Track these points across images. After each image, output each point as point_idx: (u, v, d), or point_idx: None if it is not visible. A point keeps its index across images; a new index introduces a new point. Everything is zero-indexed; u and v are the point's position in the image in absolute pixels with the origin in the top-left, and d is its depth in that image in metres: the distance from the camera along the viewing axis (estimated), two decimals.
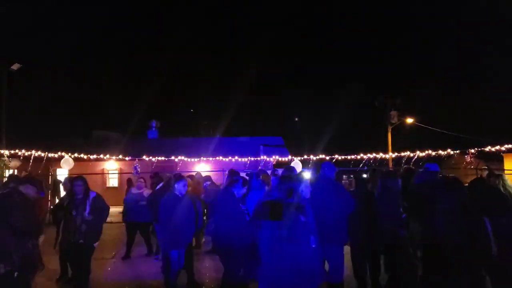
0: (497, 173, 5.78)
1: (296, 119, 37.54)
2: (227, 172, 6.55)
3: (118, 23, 63.47)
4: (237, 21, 69.86)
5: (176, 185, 5.31)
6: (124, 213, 7.75)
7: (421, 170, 5.81)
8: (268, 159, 19.27)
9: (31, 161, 12.61)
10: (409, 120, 22.21)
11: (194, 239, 6.50)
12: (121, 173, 19.22)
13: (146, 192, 7.55)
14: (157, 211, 5.50)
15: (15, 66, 13.04)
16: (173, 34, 59.51)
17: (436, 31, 53.73)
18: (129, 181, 14.89)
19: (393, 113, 21.55)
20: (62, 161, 13.45)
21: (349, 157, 15.20)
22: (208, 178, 8.22)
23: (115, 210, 10.25)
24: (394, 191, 4.87)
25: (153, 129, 27.35)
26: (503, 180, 5.32)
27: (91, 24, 60.93)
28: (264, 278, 3.16)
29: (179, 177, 5.48)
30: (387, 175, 5.20)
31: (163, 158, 17.04)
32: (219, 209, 4.89)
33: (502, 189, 5.24)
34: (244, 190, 5.01)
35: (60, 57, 53.04)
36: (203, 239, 7.97)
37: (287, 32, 68.05)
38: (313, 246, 3.18)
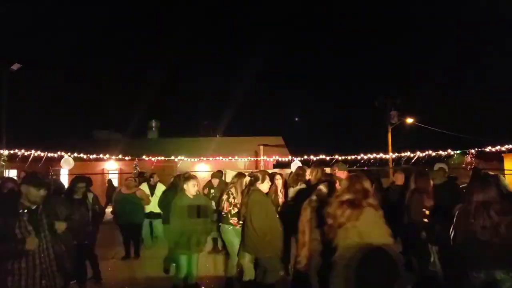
0: (493, 174, 5.77)
1: (296, 119, 37.78)
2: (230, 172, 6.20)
3: (118, 23, 63.47)
4: (237, 21, 69.90)
5: (185, 186, 4.96)
6: (115, 214, 7.36)
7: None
8: (268, 159, 19.29)
9: (29, 160, 12.63)
10: (409, 120, 22.21)
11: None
12: (121, 173, 19.20)
13: (139, 192, 7.14)
14: (168, 212, 5.24)
15: (15, 66, 13.03)
16: (173, 34, 59.55)
17: (436, 31, 53.78)
18: (110, 182, 14.82)
19: (393, 113, 21.54)
20: (62, 161, 13.46)
21: (349, 157, 15.23)
22: (215, 174, 7.78)
23: None
24: (426, 192, 4.75)
25: (153, 129, 27.32)
26: (499, 179, 5.31)
27: (91, 24, 60.94)
28: (344, 281, 2.91)
29: (188, 177, 5.08)
30: (419, 175, 5.08)
31: (163, 158, 17.06)
32: (252, 209, 4.64)
33: None
34: (266, 186, 4.86)
35: (60, 57, 53.11)
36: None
37: (287, 32, 68.11)
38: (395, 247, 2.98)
